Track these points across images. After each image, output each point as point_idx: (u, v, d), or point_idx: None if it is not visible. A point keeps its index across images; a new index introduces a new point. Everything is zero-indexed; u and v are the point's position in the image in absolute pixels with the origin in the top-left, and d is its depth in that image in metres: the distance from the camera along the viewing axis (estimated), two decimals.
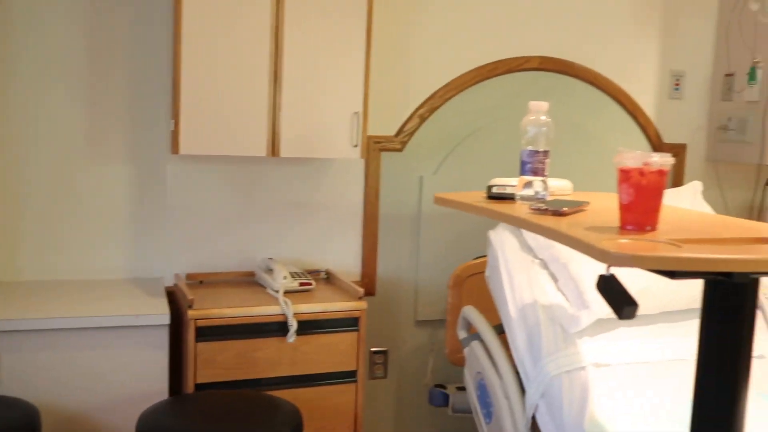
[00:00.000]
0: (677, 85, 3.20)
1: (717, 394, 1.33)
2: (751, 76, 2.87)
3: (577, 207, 1.68)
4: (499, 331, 2.39)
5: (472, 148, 3.00)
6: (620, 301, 1.24)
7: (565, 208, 1.62)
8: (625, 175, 1.42)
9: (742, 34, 2.97)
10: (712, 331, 1.33)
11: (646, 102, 3.18)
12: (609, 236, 1.33)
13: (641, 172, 1.40)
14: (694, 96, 3.24)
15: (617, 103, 3.13)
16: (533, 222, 1.49)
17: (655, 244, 1.29)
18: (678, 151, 3.23)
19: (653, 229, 1.42)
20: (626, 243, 1.27)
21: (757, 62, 2.85)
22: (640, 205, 1.41)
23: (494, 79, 3.00)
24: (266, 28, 2.41)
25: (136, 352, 2.31)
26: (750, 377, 1.34)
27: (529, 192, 1.78)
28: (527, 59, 3.01)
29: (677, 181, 3.23)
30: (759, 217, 2.93)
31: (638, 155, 1.42)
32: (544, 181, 1.77)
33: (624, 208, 1.43)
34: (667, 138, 3.22)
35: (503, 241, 2.43)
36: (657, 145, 3.20)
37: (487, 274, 2.51)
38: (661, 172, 1.41)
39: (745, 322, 1.30)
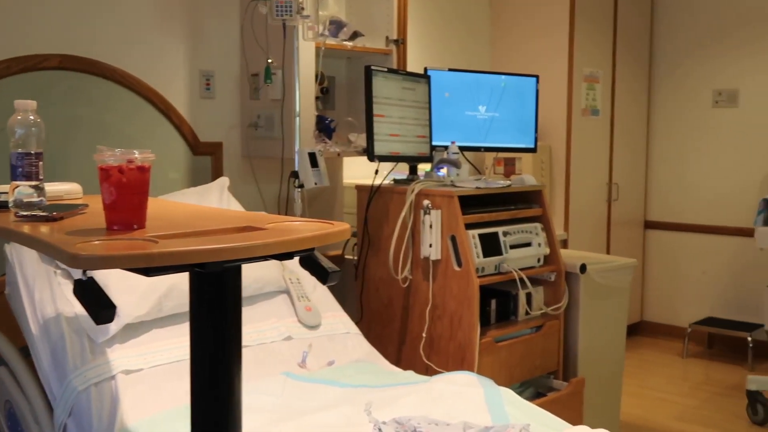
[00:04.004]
0: (208, 84, 3.27)
1: (211, 382, 1.36)
2: (267, 75, 3.05)
3: (72, 211, 1.59)
4: (27, 353, 2.20)
5: None
6: (97, 306, 1.18)
7: (55, 213, 1.52)
8: (105, 173, 1.36)
9: (255, 35, 3.14)
10: (202, 321, 1.35)
11: (179, 102, 3.19)
12: (89, 238, 1.27)
13: (121, 170, 1.36)
14: (225, 95, 3.34)
15: (149, 103, 3.09)
16: (8, 229, 1.37)
17: (132, 242, 1.26)
18: (215, 149, 3.31)
19: (141, 227, 1.39)
20: (99, 244, 1.22)
21: (270, 62, 3.04)
22: (124, 204, 1.37)
23: (10, 78, 2.75)
24: None
25: None
26: (241, 362, 1.39)
27: (22, 198, 1.63)
28: (46, 57, 2.81)
29: (217, 178, 3.30)
30: (287, 208, 3.14)
31: (119, 153, 1.38)
32: (38, 186, 1.64)
33: (108, 208, 1.38)
34: (204, 137, 3.27)
35: (21, 254, 2.23)
36: (194, 144, 3.23)
37: (7, 292, 2.29)
38: (142, 169, 1.39)
39: (229, 309, 1.34)
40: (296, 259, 1.39)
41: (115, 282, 2.12)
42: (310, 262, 1.42)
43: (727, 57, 4.90)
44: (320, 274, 1.41)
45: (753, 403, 3.74)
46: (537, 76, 3.59)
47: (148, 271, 1.18)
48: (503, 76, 3.52)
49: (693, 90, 5.06)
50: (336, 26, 3.36)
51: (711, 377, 4.48)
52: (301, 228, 1.40)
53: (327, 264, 1.41)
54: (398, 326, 3.09)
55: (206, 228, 1.40)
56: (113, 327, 2.07)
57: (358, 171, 3.81)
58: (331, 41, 3.30)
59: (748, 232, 3.88)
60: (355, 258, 3.26)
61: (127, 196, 1.36)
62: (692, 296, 5.13)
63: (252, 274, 2.38)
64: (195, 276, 1.31)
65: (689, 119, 5.09)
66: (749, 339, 4.62)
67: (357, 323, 3.11)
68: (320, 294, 2.58)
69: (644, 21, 5.12)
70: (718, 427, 3.70)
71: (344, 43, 3.35)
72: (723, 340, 4.94)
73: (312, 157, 2.99)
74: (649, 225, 5.28)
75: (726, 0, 4.89)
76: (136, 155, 1.37)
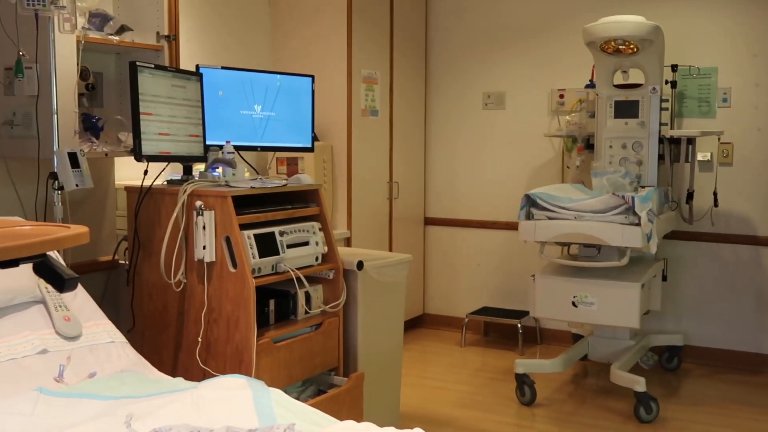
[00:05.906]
0: None
1: None
2: (18, 69, 2.82)
3: None
4: None
5: None
6: None
7: None
8: None
9: (5, 26, 2.88)
10: None
11: None
12: None
13: None
14: None
15: None
16: None
17: None
18: None
19: None
20: None
21: (22, 55, 2.82)
22: None
23: None
24: None
25: None
26: None
27: None
28: None
29: None
30: (46, 211, 2.93)
31: None
32: None
33: None
34: None
35: None
36: None
37: None
38: None
39: None
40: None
41: None
42: (44, 269, 1.31)
43: (495, 61, 5.22)
44: (56, 281, 1.32)
45: (521, 385, 4.01)
46: (312, 76, 3.61)
47: None
48: (278, 76, 3.51)
49: (465, 92, 5.34)
50: (101, 19, 3.18)
51: (487, 363, 4.75)
52: (30, 233, 1.30)
53: (64, 271, 1.32)
54: (174, 332, 2.98)
55: None
56: None
57: (134, 172, 3.64)
58: (95, 35, 3.11)
59: (515, 226, 4.15)
60: (127, 263, 3.11)
61: None
62: (469, 288, 5.42)
63: None
64: None
65: (462, 120, 5.37)
66: (519, 325, 4.95)
67: (129, 331, 2.98)
68: (81, 302, 2.43)
69: (419, 25, 5.33)
70: (491, 411, 3.92)
71: (110, 37, 3.18)
72: (497, 328, 5.26)
73: (72, 157, 2.80)
74: (429, 221, 5.51)
75: (493, 8, 5.21)
76: None
